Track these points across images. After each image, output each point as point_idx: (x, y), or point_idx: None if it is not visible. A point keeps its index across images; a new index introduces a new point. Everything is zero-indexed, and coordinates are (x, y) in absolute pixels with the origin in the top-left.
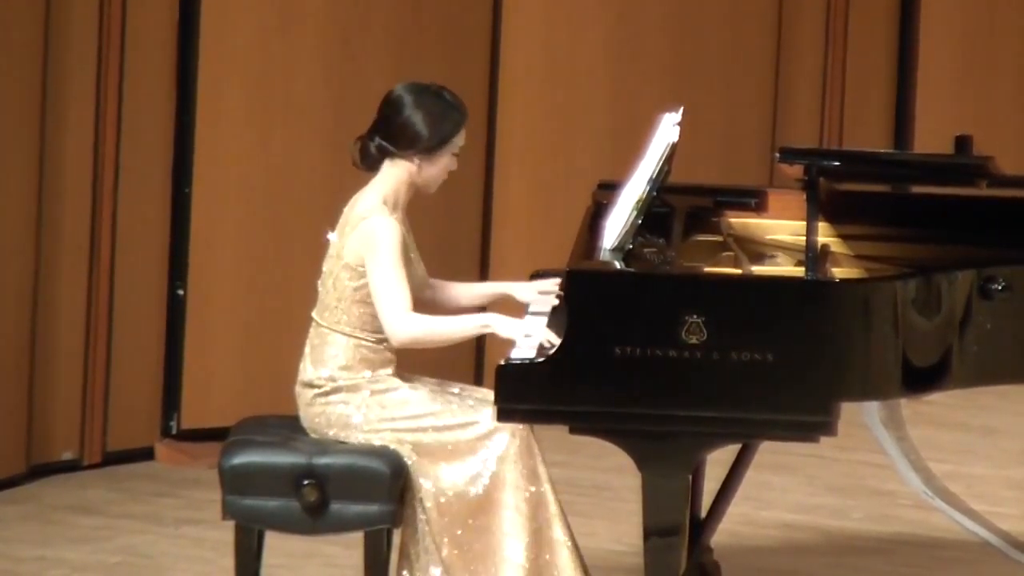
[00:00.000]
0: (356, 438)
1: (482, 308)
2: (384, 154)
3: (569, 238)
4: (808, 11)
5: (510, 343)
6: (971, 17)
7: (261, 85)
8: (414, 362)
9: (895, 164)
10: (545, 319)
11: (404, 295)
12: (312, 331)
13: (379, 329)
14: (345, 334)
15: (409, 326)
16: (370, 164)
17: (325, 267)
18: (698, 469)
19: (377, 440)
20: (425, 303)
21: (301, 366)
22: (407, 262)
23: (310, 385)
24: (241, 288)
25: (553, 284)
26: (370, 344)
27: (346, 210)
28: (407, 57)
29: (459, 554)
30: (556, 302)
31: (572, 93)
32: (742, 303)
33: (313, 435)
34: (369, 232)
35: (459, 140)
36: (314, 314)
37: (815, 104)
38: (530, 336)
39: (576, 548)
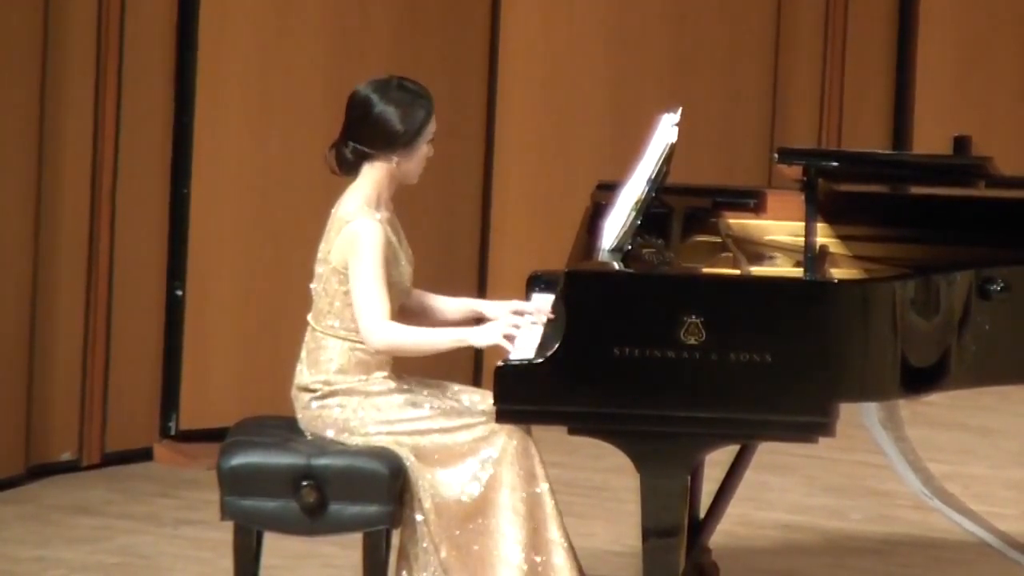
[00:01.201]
0: (353, 442)
1: (479, 321)
2: (361, 157)
3: (568, 239)
4: (806, 11)
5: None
6: (970, 17)
7: (260, 86)
8: (412, 362)
9: (894, 165)
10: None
11: (382, 302)
12: (308, 335)
13: None
14: (340, 338)
15: (385, 334)
16: (348, 169)
17: (317, 269)
18: (697, 470)
19: (374, 442)
20: (407, 312)
21: (297, 370)
22: (392, 264)
23: (306, 389)
24: (240, 288)
25: (530, 306)
26: (365, 347)
27: (332, 212)
28: (406, 59)
29: (457, 555)
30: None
31: (571, 94)
32: (741, 304)
33: (310, 436)
34: (352, 235)
35: (432, 127)
36: (310, 318)
37: (814, 105)
38: (512, 334)
39: (571, 549)
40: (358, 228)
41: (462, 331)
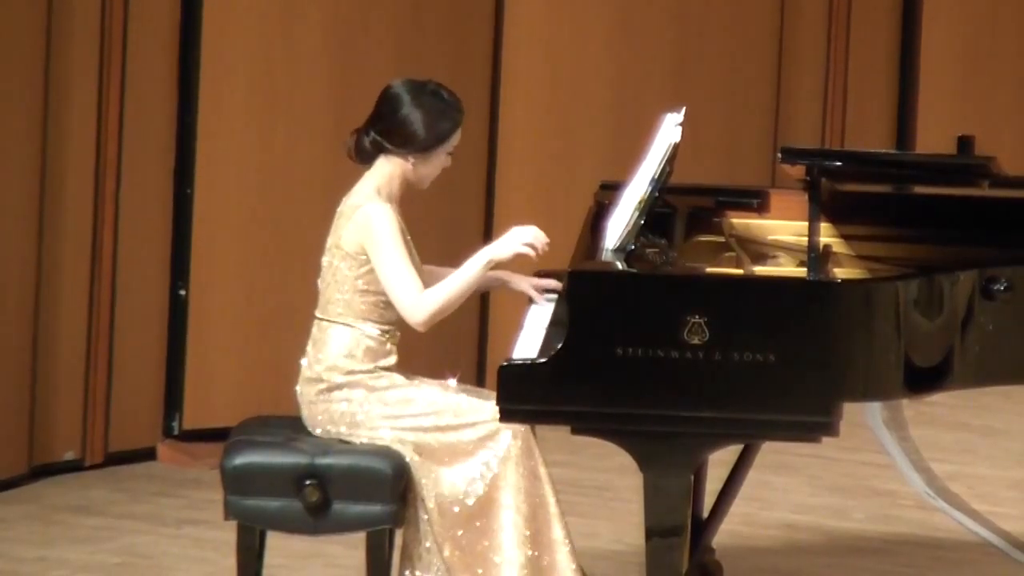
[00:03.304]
0: (359, 435)
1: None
2: (379, 149)
3: (571, 238)
4: (810, 11)
5: (513, 339)
6: (973, 18)
7: (263, 86)
8: (416, 361)
9: (897, 164)
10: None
11: (413, 278)
12: (314, 328)
13: (381, 319)
14: (347, 325)
15: (426, 306)
16: (364, 157)
17: (324, 261)
18: (700, 469)
19: (379, 437)
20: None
21: (303, 364)
22: (407, 245)
23: (315, 380)
24: (243, 288)
25: (551, 283)
26: (373, 335)
27: (339, 209)
28: (409, 58)
29: (461, 555)
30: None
31: (574, 93)
32: (744, 304)
33: (318, 431)
34: (365, 220)
35: (455, 139)
36: (317, 312)
37: (817, 104)
38: (531, 242)
39: (573, 549)
40: (371, 211)
41: (484, 254)
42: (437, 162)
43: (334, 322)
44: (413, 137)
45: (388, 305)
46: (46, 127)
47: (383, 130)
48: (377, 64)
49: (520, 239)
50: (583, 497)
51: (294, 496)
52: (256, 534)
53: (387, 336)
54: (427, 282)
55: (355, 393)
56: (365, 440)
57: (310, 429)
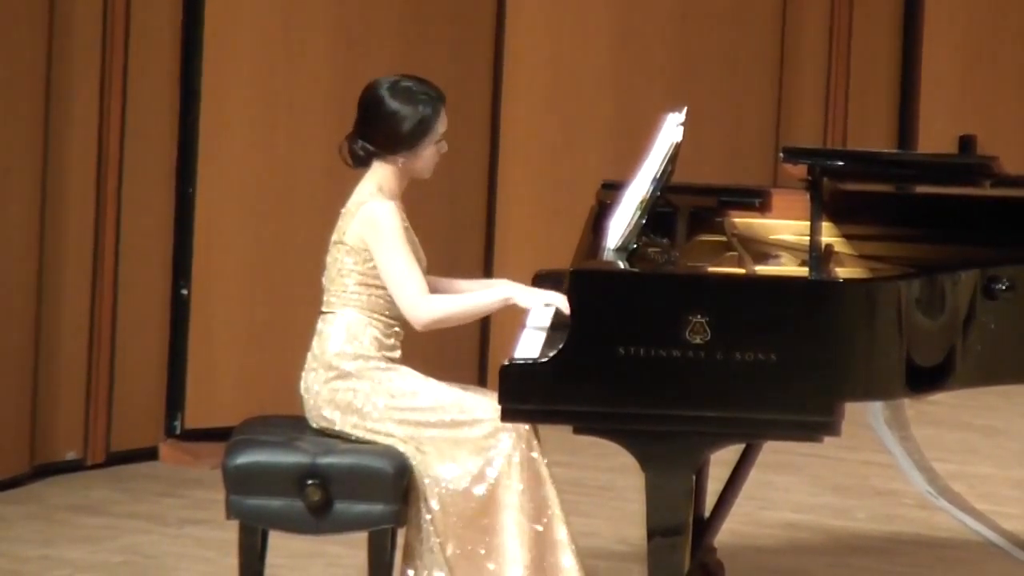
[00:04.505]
0: (363, 426)
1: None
2: (370, 155)
3: (573, 238)
4: (812, 11)
5: (513, 339)
6: (974, 17)
7: (265, 86)
8: (416, 361)
9: (899, 164)
10: (554, 307)
11: (417, 278)
12: (319, 323)
13: (386, 311)
14: (352, 315)
15: (429, 309)
16: (360, 163)
17: (328, 259)
18: (702, 469)
19: (384, 429)
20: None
21: (308, 358)
22: (410, 243)
23: (322, 368)
24: (245, 288)
25: (559, 300)
26: (377, 326)
27: (342, 211)
28: (411, 58)
29: (462, 554)
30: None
31: (576, 93)
32: (746, 303)
33: (323, 423)
34: (369, 216)
35: (440, 127)
36: (321, 308)
37: (819, 104)
38: (550, 305)
39: (578, 551)
40: (376, 208)
41: (507, 289)
42: (428, 154)
43: (338, 312)
44: (398, 135)
45: (391, 300)
46: (48, 126)
47: (368, 134)
48: (379, 65)
49: (546, 299)
50: (585, 497)
51: (296, 496)
52: (258, 534)
53: (391, 330)
54: (434, 292)
55: (362, 384)
56: (368, 432)
57: (312, 422)
